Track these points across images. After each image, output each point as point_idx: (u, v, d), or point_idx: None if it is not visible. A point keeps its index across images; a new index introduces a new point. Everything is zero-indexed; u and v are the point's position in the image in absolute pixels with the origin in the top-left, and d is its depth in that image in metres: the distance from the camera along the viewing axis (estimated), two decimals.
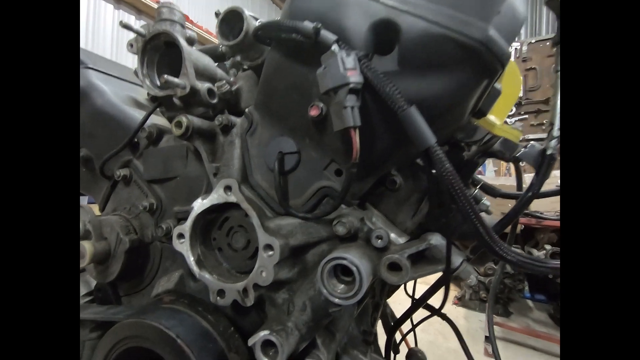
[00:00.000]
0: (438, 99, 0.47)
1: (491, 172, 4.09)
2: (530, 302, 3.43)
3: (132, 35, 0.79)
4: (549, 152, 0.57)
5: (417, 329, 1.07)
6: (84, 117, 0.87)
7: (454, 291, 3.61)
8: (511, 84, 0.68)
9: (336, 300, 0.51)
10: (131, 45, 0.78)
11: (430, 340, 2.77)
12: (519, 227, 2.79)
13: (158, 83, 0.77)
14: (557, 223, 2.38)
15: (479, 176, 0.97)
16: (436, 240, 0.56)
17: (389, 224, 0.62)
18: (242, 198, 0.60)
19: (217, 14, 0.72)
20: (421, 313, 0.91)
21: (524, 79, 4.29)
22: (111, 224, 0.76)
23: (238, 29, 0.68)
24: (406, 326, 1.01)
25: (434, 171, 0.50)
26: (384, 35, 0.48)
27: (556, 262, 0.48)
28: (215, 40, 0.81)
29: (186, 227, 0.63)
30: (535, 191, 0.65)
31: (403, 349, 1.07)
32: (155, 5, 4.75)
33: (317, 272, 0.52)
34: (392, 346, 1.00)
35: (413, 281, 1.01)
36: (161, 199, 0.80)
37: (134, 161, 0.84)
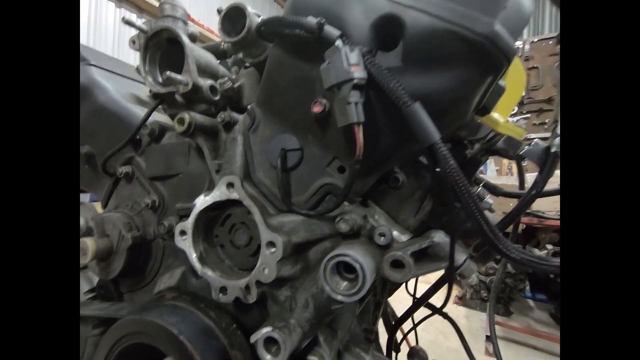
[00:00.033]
0: (442, 95, 0.47)
1: (493, 172, 4.08)
2: (531, 302, 3.42)
3: (133, 33, 0.78)
4: (553, 149, 0.57)
5: (417, 328, 1.07)
6: (86, 114, 0.87)
7: (454, 290, 3.61)
8: (515, 81, 0.67)
9: (339, 297, 0.51)
10: (133, 42, 0.78)
11: (431, 339, 2.77)
12: (521, 227, 2.79)
13: (160, 80, 0.77)
14: (559, 223, 2.38)
15: (481, 175, 0.97)
16: (439, 237, 0.55)
17: (391, 222, 0.62)
18: (245, 195, 0.60)
19: (219, 11, 0.72)
20: (422, 312, 0.91)
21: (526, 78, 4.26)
22: (113, 221, 0.76)
23: (240, 26, 0.68)
24: (406, 325, 1.01)
25: (437, 169, 0.50)
26: (388, 30, 0.47)
27: (559, 261, 0.48)
28: (216, 39, 0.81)
29: (188, 224, 0.63)
30: (539, 189, 0.65)
31: (403, 348, 1.07)
32: (157, 4, 4.75)
33: (320, 269, 0.52)
34: (393, 345, 1.00)
35: (414, 280, 1.01)
36: (163, 196, 0.80)
37: (136, 158, 0.84)
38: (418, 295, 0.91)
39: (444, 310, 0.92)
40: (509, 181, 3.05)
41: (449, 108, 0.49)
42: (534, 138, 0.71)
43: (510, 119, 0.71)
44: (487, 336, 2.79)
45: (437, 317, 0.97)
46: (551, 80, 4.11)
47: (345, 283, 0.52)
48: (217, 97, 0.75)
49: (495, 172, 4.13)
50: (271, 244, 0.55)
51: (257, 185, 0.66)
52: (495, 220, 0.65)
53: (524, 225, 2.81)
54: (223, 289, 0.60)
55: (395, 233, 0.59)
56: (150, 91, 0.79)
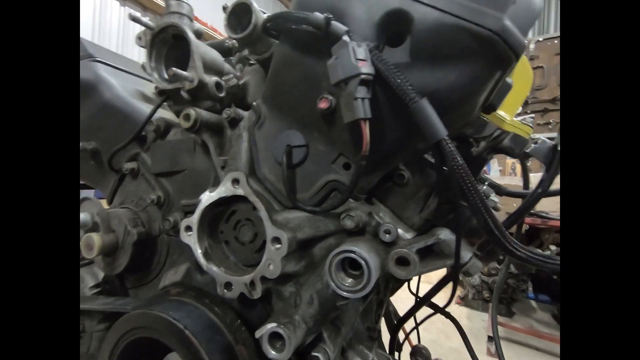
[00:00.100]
0: (450, 91, 0.46)
1: (496, 172, 4.05)
2: (533, 303, 3.41)
3: (136, 32, 0.79)
4: (560, 148, 0.56)
5: (419, 328, 1.07)
6: (92, 110, 0.88)
7: (456, 291, 3.59)
8: (522, 78, 0.67)
9: (344, 294, 0.51)
10: (140, 39, 0.79)
11: (433, 339, 2.76)
12: (524, 227, 2.77)
13: (166, 76, 0.77)
14: None
15: (485, 175, 0.96)
16: (445, 235, 0.55)
17: (395, 219, 0.62)
18: (250, 191, 0.60)
19: (224, 8, 0.72)
20: (424, 311, 0.91)
21: None
22: (119, 217, 0.77)
23: (246, 22, 0.68)
24: (408, 325, 1.01)
25: (445, 168, 0.49)
26: (396, 26, 0.47)
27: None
28: (219, 37, 0.81)
29: (194, 219, 0.63)
30: (545, 188, 0.65)
31: (405, 348, 1.07)
32: (160, 1, 4.77)
33: (325, 265, 0.52)
34: (396, 343, 0.99)
35: (417, 279, 1.01)
36: (168, 192, 0.80)
37: (141, 154, 0.85)
38: (420, 294, 0.91)
39: (447, 309, 0.92)
40: (512, 181, 3.03)
41: (456, 104, 0.48)
42: (539, 137, 0.70)
43: (515, 119, 0.71)
44: (489, 337, 2.78)
45: (438, 316, 0.97)
46: (556, 80, 4.08)
47: (350, 279, 0.52)
48: (223, 94, 0.75)
49: (499, 172, 4.11)
50: (276, 240, 0.55)
51: (262, 181, 0.66)
52: (499, 220, 0.64)
53: (527, 226, 2.79)
54: (228, 285, 0.60)
55: (400, 230, 0.59)
56: (155, 88, 0.79)
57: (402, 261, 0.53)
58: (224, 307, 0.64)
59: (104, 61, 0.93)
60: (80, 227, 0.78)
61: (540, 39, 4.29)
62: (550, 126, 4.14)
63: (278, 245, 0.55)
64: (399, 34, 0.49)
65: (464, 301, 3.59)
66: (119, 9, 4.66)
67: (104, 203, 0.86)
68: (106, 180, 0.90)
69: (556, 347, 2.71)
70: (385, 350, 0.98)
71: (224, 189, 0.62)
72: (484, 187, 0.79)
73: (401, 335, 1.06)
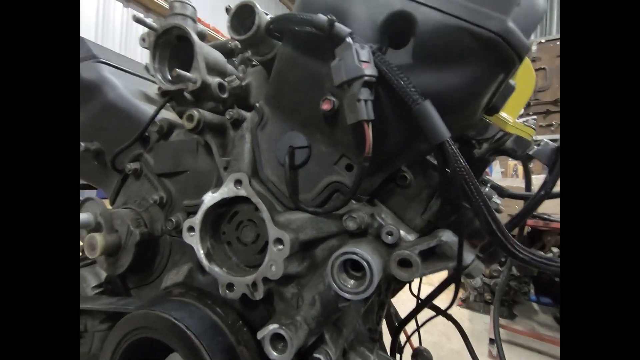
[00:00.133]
0: (453, 93, 0.47)
1: (498, 174, 4.05)
2: (535, 305, 3.39)
3: (139, 33, 0.79)
4: (559, 150, 0.56)
5: (420, 330, 1.06)
6: (95, 110, 0.88)
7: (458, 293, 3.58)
8: (524, 80, 0.67)
9: (346, 295, 0.51)
10: (143, 40, 0.79)
11: (434, 341, 2.75)
12: (526, 229, 2.76)
13: (169, 77, 0.78)
14: None
15: (486, 177, 0.96)
16: (447, 236, 0.55)
17: (397, 221, 0.62)
18: (252, 192, 0.60)
19: (227, 10, 0.73)
20: (425, 313, 0.91)
21: None
22: (122, 217, 0.77)
23: (249, 24, 0.68)
24: (409, 327, 1.00)
25: (447, 170, 0.49)
26: (399, 27, 0.47)
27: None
28: (222, 38, 0.82)
29: (196, 220, 0.63)
30: (548, 190, 0.64)
31: (406, 350, 1.07)
32: (163, 3, 4.80)
33: (327, 267, 0.52)
34: (397, 345, 0.99)
35: (419, 281, 1.01)
36: (171, 192, 0.80)
37: (144, 155, 0.85)
38: (421, 296, 0.90)
39: (449, 311, 0.92)
40: (514, 183, 3.03)
41: (459, 106, 0.48)
42: (542, 139, 0.70)
43: (517, 121, 0.71)
44: (490, 339, 2.76)
45: (439, 319, 0.97)
46: (558, 82, 4.07)
47: (352, 281, 0.52)
48: (225, 95, 0.76)
49: (501, 173, 4.10)
50: (279, 241, 0.56)
51: (265, 182, 0.66)
52: (502, 222, 0.64)
53: (530, 228, 2.78)
54: (230, 286, 0.60)
55: (402, 232, 0.59)
56: (159, 88, 0.80)
57: (405, 263, 0.53)
58: (225, 308, 0.64)
59: (107, 62, 0.93)
60: (83, 227, 0.78)
61: (543, 41, 4.28)
62: (552, 128, 4.13)
63: (280, 247, 0.55)
64: (402, 35, 0.49)
65: (466, 303, 3.57)
66: (122, 10, 4.68)
67: (106, 203, 0.87)
68: (109, 180, 0.91)
69: (558, 350, 2.69)
70: (386, 352, 0.98)
71: (226, 190, 0.62)
72: (487, 189, 0.79)
73: (402, 337, 1.06)
